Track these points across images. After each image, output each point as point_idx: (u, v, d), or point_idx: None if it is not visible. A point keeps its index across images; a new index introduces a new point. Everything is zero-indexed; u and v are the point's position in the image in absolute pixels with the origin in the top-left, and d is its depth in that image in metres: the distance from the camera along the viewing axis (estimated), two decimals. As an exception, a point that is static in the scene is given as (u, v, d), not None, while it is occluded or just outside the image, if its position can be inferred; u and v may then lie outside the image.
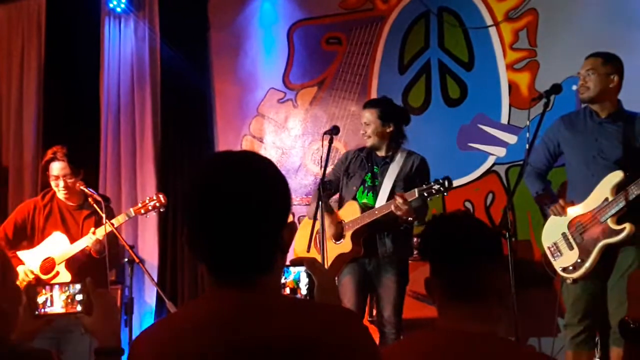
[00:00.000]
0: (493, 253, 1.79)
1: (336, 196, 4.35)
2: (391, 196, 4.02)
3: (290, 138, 6.06)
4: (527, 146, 3.58)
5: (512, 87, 5.40)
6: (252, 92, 6.19)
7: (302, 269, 1.77)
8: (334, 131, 4.12)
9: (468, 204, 5.45)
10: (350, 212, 4.13)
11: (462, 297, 1.74)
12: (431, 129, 5.59)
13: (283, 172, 1.52)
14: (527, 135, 3.61)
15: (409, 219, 3.99)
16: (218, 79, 6.28)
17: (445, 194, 3.90)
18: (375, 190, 4.15)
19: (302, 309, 1.46)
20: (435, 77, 5.66)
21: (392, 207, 3.91)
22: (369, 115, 4.19)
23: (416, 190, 3.89)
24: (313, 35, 6.07)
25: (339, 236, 4.13)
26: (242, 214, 1.41)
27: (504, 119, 5.40)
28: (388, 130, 4.18)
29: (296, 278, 1.76)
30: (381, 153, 4.23)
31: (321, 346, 1.34)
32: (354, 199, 4.17)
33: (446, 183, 3.84)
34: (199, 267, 5.75)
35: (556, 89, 3.70)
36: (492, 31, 5.52)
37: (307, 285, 1.75)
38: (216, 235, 1.42)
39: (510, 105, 5.40)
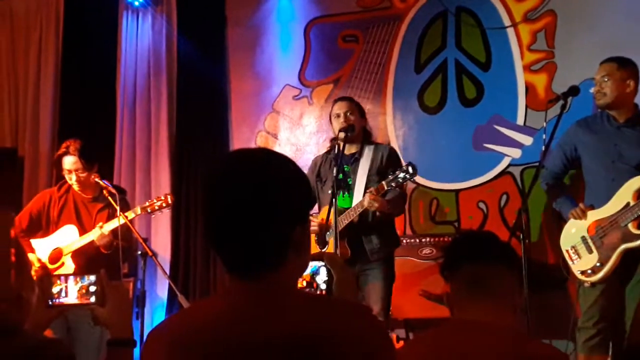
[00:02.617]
0: (508, 258, 2.00)
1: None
2: (366, 192, 3.98)
3: (305, 135, 6.05)
4: (543, 148, 3.57)
5: (529, 88, 5.37)
6: (268, 89, 6.19)
7: (320, 263, 1.77)
8: (348, 129, 4.12)
9: (482, 205, 5.43)
10: (329, 216, 4.05)
11: (479, 294, 1.93)
12: (447, 129, 5.57)
13: (296, 169, 1.52)
14: (544, 136, 3.60)
15: (386, 212, 3.96)
16: (234, 74, 6.28)
17: (411, 179, 3.90)
18: (349, 189, 4.12)
19: (318, 304, 1.46)
20: (452, 77, 5.64)
21: (366, 204, 3.89)
22: (347, 104, 4.20)
23: (384, 182, 3.87)
24: (330, 32, 6.06)
25: (324, 243, 4.09)
26: (257, 210, 1.41)
27: (520, 120, 5.37)
28: (363, 123, 4.22)
29: (312, 271, 1.76)
30: (350, 150, 4.20)
31: (337, 342, 1.34)
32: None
33: (410, 169, 3.82)
34: (211, 261, 5.76)
35: (574, 91, 3.69)
36: (510, 32, 5.49)
37: (326, 280, 1.75)
38: (231, 231, 1.43)
39: (526, 107, 5.37)
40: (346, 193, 4.14)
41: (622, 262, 3.62)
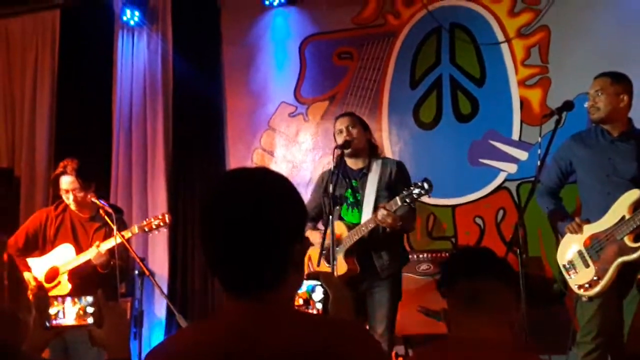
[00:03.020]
0: (504, 274, 2.03)
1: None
2: (376, 207, 3.96)
3: (301, 152, 6.06)
4: (538, 163, 3.58)
5: (524, 103, 5.39)
6: (264, 106, 6.20)
7: (316, 282, 1.76)
8: (345, 145, 4.11)
9: (479, 220, 5.43)
10: (338, 232, 4.01)
11: (476, 310, 1.94)
12: (442, 145, 5.58)
13: (293, 186, 1.53)
14: (539, 151, 3.61)
15: (397, 228, 3.93)
16: (230, 92, 6.30)
17: (428, 195, 3.84)
18: (358, 205, 4.09)
19: (314, 323, 1.47)
20: (447, 92, 5.66)
21: (379, 219, 3.85)
22: (348, 119, 4.18)
23: (398, 198, 3.82)
24: (325, 50, 6.09)
25: (328, 259, 3.99)
26: (255, 230, 1.42)
27: (515, 135, 5.39)
28: (368, 137, 4.19)
29: (309, 289, 1.76)
30: (357, 165, 4.18)
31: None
32: (340, 218, 4.09)
33: (425, 185, 3.77)
34: (209, 279, 5.75)
35: (568, 105, 3.70)
36: (504, 47, 5.52)
37: (322, 299, 1.75)
38: (230, 252, 1.43)
39: (521, 122, 5.38)
40: (355, 209, 4.10)
41: (619, 276, 3.62)
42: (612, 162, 3.74)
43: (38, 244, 4.36)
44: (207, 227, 1.47)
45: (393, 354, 4.65)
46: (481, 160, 5.46)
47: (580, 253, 3.73)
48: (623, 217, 3.62)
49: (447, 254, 4.93)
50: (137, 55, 6.33)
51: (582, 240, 3.74)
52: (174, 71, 6.25)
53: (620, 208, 3.64)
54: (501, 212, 5.36)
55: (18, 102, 6.32)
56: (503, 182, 5.39)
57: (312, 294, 1.76)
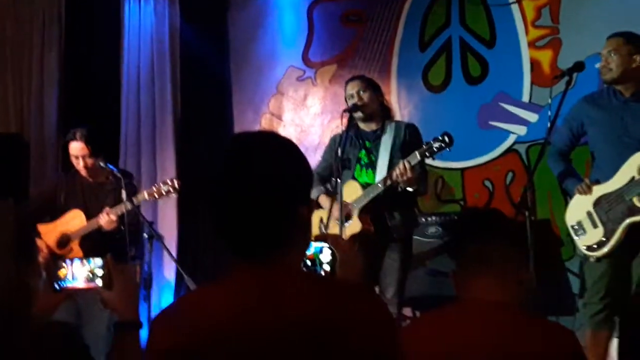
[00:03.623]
0: (512, 235, 2.04)
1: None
2: (390, 168, 3.94)
3: (310, 116, 6.04)
4: (548, 125, 3.56)
5: (534, 65, 5.34)
6: (271, 70, 6.17)
7: (324, 244, 1.77)
8: (353, 109, 4.09)
9: (488, 183, 5.42)
10: (351, 192, 4.03)
11: (484, 271, 1.94)
12: (451, 107, 5.55)
13: (302, 150, 1.54)
14: (549, 113, 3.59)
15: (413, 188, 3.92)
16: (237, 56, 6.27)
17: (448, 149, 3.78)
18: (373, 165, 4.07)
19: (321, 285, 1.48)
20: (456, 54, 5.61)
21: (395, 175, 3.82)
22: (359, 83, 4.15)
23: (417, 152, 3.80)
24: (333, 12, 6.03)
25: (345, 218, 4.02)
26: (264, 193, 1.42)
27: (526, 97, 5.35)
28: (380, 99, 4.17)
29: (316, 251, 1.77)
30: (370, 127, 4.16)
31: (342, 323, 1.36)
32: (353, 178, 4.10)
33: (446, 138, 3.74)
34: (218, 243, 5.77)
35: (579, 66, 3.67)
36: (514, 8, 5.45)
37: (330, 261, 1.76)
38: (239, 214, 1.44)
39: (531, 84, 5.34)
40: (369, 169, 4.09)
41: (627, 236, 3.62)
42: (624, 123, 3.71)
43: (48, 210, 4.39)
44: (214, 191, 1.48)
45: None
46: (491, 122, 5.43)
47: (589, 214, 3.73)
48: (633, 178, 3.61)
49: (455, 217, 4.93)
50: (144, 21, 6.29)
51: (591, 201, 3.74)
52: (181, 36, 6.22)
53: (629, 169, 3.62)
54: (510, 174, 5.34)
55: (26, 68, 6.30)
56: (513, 144, 5.36)
57: (319, 255, 1.77)
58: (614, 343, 4.01)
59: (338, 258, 1.76)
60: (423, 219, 4.97)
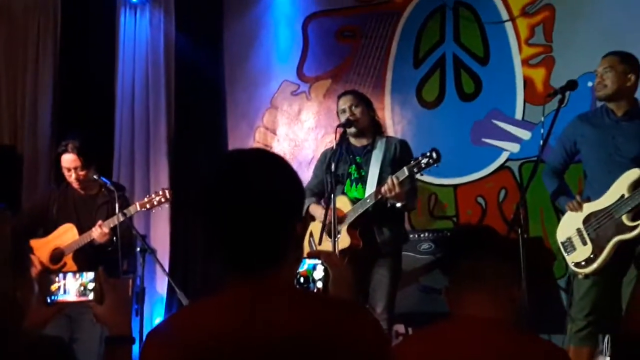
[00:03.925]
0: (505, 252, 2.04)
1: None
2: (380, 183, 3.96)
3: (304, 130, 6.05)
4: (541, 142, 3.58)
5: (527, 82, 5.36)
6: (266, 84, 6.19)
7: (317, 261, 1.78)
8: (347, 124, 4.11)
9: (480, 200, 5.43)
10: (341, 207, 4.04)
11: (476, 288, 1.94)
12: (445, 124, 5.57)
13: (296, 165, 1.55)
14: (542, 131, 3.61)
15: (401, 204, 3.93)
16: (232, 70, 6.28)
17: (436, 165, 3.80)
18: (363, 181, 4.09)
19: (314, 301, 1.49)
20: (450, 71, 5.63)
21: (383, 191, 3.84)
22: (351, 98, 4.18)
23: (405, 168, 3.82)
24: (328, 28, 6.05)
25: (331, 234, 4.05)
26: (258, 211, 1.43)
27: (519, 115, 5.37)
28: (372, 114, 4.19)
29: (309, 268, 1.78)
30: (361, 142, 4.19)
31: (333, 339, 1.36)
32: (343, 194, 4.11)
33: (434, 154, 3.76)
34: (210, 257, 5.75)
35: (571, 85, 3.71)
36: (508, 26, 5.48)
37: (323, 278, 1.76)
38: (235, 231, 1.44)
39: (525, 101, 5.36)
40: (359, 184, 4.11)
41: (617, 255, 3.65)
42: (616, 142, 3.75)
43: (41, 224, 4.37)
44: (209, 209, 1.48)
45: (393, 332, 4.67)
46: (484, 139, 5.45)
47: (578, 231, 3.77)
48: (622, 196, 3.64)
49: (448, 234, 4.93)
50: (140, 32, 6.31)
51: (581, 218, 3.77)
52: (177, 48, 6.23)
53: (619, 187, 3.66)
54: (503, 191, 5.35)
55: (20, 79, 6.30)
56: (505, 161, 5.37)
57: (313, 272, 1.78)
58: (606, 361, 4.02)
59: (331, 275, 1.76)
60: (416, 235, 4.98)
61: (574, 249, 3.76)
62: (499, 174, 5.37)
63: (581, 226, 3.77)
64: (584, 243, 3.73)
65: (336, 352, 1.35)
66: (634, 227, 3.59)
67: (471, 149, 5.45)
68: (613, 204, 3.67)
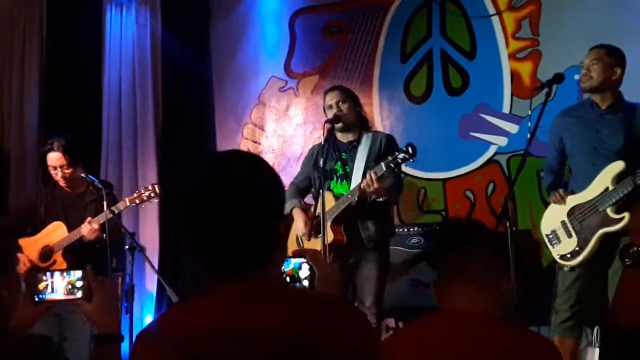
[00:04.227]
0: (493, 245, 2.04)
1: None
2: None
3: (292, 126, 6.05)
4: (528, 136, 3.59)
5: (514, 76, 5.38)
6: (253, 80, 6.18)
7: (302, 260, 1.78)
8: (335, 120, 4.11)
9: (469, 194, 5.44)
10: (326, 204, 4.00)
11: (465, 282, 1.93)
12: (433, 118, 5.58)
13: (284, 161, 1.57)
14: (529, 124, 3.62)
15: (382, 198, 3.94)
16: (219, 66, 6.27)
17: (411, 160, 3.82)
18: (347, 177, 4.10)
19: (303, 299, 1.49)
20: (437, 66, 5.64)
21: (363, 185, 3.85)
22: (338, 94, 4.18)
23: (382, 163, 3.83)
24: (314, 23, 6.05)
25: (317, 231, 4.03)
26: (242, 212, 1.44)
27: (506, 109, 5.39)
28: (358, 110, 4.19)
29: (295, 267, 1.78)
30: (347, 138, 4.19)
31: (322, 336, 1.36)
32: (329, 190, 4.11)
33: (410, 149, 3.77)
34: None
35: (558, 78, 3.72)
36: (495, 20, 5.49)
37: (308, 277, 1.77)
38: (217, 233, 1.45)
39: (512, 95, 5.38)
40: (344, 180, 4.12)
41: (602, 246, 3.67)
42: (600, 135, 3.77)
43: (29, 222, 4.35)
44: (194, 211, 1.48)
45: (383, 326, 4.68)
46: (472, 133, 5.46)
47: (563, 223, 3.79)
48: (606, 189, 3.67)
49: (437, 228, 4.95)
50: (126, 30, 6.28)
51: (565, 210, 3.79)
52: (163, 46, 6.22)
53: (603, 179, 3.69)
54: (491, 185, 5.37)
55: (6, 77, 6.26)
56: (493, 155, 5.39)
57: (298, 271, 1.79)
58: (596, 353, 4.05)
59: (317, 273, 1.77)
60: (405, 230, 4.99)
61: (559, 241, 3.79)
62: (487, 167, 5.39)
63: (566, 219, 3.80)
64: (569, 236, 3.76)
65: (326, 348, 1.35)
66: (620, 220, 3.62)
67: (459, 143, 5.47)
68: (597, 196, 3.69)
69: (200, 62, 6.17)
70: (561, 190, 3.84)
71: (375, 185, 3.82)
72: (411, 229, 5.03)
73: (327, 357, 1.35)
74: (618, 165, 3.66)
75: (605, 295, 3.73)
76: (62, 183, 4.29)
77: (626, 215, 3.60)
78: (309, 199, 4.35)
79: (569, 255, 3.74)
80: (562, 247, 3.78)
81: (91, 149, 5.81)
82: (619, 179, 3.64)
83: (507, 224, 3.44)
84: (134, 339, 1.51)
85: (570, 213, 3.79)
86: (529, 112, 3.68)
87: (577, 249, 3.71)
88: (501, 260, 2.05)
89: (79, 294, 1.97)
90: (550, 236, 3.84)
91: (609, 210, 3.64)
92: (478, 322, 1.89)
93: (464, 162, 5.45)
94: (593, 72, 3.79)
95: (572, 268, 3.73)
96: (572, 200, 3.80)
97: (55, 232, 4.25)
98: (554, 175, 4.01)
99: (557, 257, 3.78)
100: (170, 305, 4.87)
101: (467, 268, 1.94)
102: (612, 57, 3.80)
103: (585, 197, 3.74)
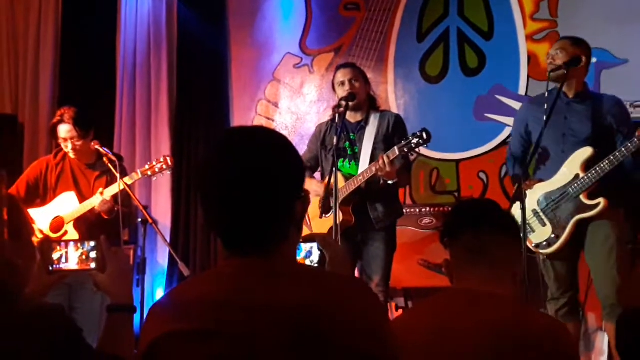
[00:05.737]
0: (508, 227, 1.99)
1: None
2: (372, 160, 3.96)
3: (306, 104, 6.03)
4: (544, 117, 3.58)
5: (531, 58, 5.34)
6: (269, 57, 6.15)
7: (313, 245, 1.79)
8: (349, 98, 4.08)
9: (482, 175, 5.43)
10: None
11: (479, 262, 1.91)
12: (448, 99, 5.55)
13: (297, 138, 1.56)
14: (545, 107, 3.60)
15: (393, 181, 3.94)
16: (234, 41, 6.24)
17: (425, 145, 3.82)
18: (356, 157, 4.09)
19: (317, 276, 1.49)
20: (454, 46, 5.60)
21: (375, 169, 3.86)
22: (351, 71, 4.14)
23: (396, 148, 3.82)
24: (331, 0, 6.02)
25: (327, 209, 4.03)
26: (258, 188, 1.43)
27: (522, 90, 5.35)
28: (368, 90, 4.17)
29: (307, 256, 1.79)
30: (356, 118, 4.17)
31: (334, 313, 1.37)
32: (338, 169, 4.05)
33: (424, 135, 3.77)
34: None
35: (575, 60, 3.69)
36: (513, 1, 5.45)
37: (319, 261, 1.78)
38: (233, 210, 1.45)
39: (528, 77, 5.35)
40: (352, 161, 4.11)
41: (576, 232, 3.68)
42: (568, 122, 3.77)
43: (39, 193, 4.35)
44: (208, 187, 1.48)
45: (393, 305, 4.70)
46: (487, 115, 5.43)
47: (534, 212, 3.79)
48: (577, 176, 3.66)
49: (449, 208, 4.94)
50: (142, 3, 6.26)
51: (535, 199, 3.78)
52: (179, 19, 6.20)
53: (573, 166, 3.70)
54: (505, 167, 5.35)
55: (21, 49, 6.28)
56: (508, 137, 5.35)
57: (308, 258, 1.79)
58: (605, 338, 4.05)
59: (327, 257, 1.77)
60: (417, 210, 4.98)
61: (532, 230, 3.78)
62: (502, 149, 5.36)
63: (537, 207, 3.78)
64: (543, 224, 3.76)
65: (339, 325, 1.36)
66: (595, 205, 3.63)
67: (474, 124, 5.45)
68: (568, 183, 3.69)
69: (215, 36, 6.15)
70: (528, 181, 3.83)
71: (388, 168, 3.82)
72: (423, 210, 5.03)
73: (339, 333, 1.35)
74: (587, 151, 3.67)
75: (577, 279, 3.77)
76: (72, 155, 4.29)
77: (602, 200, 3.61)
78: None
79: (545, 244, 3.75)
80: (537, 236, 3.77)
81: (105, 121, 5.83)
82: (587, 164, 3.64)
83: (520, 207, 3.43)
84: (145, 313, 1.52)
85: (540, 202, 3.78)
86: (545, 94, 3.67)
87: (552, 236, 3.73)
88: (514, 242, 2.02)
89: (93, 265, 1.98)
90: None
91: (582, 197, 3.65)
92: (490, 302, 1.87)
93: (478, 143, 5.43)
94: (558, 60, 3.78)
95: (548, 256, 3.74)
96: (541, 188, 3.79)
97: (67, 203, 4.25)
98: (517, 165, 3.98)
99: (532, 247, 3.78)
100: (181, 279, 4.89)
101: (481, 248, 1.91)
102: (577, 47, 3.81)
103: (555, 184, 3.75)
